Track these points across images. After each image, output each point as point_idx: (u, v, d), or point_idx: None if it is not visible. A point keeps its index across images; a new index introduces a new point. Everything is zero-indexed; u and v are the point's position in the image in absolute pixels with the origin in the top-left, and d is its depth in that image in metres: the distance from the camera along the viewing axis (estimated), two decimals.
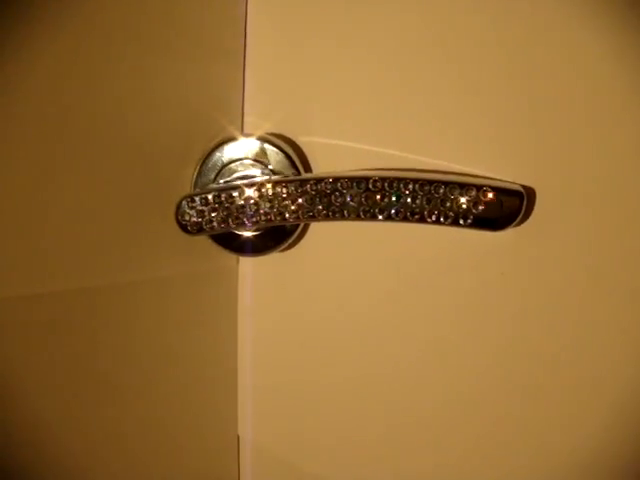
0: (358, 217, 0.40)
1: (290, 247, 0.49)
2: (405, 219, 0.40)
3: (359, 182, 0.39)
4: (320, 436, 0.54)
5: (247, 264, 0.52)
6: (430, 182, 0.39)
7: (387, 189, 0.39)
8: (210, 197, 0.41)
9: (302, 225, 0.47)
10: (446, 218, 0.39)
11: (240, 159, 0.50)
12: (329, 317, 0.52)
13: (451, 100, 0.43)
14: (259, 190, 0.41)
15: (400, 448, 0.51)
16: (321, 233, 0.48)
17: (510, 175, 0.41)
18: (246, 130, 0.52)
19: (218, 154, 0.50)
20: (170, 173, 0.50)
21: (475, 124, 0.42)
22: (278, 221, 0.41)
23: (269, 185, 0.41)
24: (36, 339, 0.45)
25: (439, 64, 0.42)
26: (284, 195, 0.40)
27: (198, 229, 0.42)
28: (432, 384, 0.48)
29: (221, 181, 0.48)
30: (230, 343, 0.55)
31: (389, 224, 0.41)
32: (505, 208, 0.39)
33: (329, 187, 0.40)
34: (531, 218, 0.40)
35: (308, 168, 0.49)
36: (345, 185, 0.40)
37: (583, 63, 0.38)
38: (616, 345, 0.40)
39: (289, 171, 0.49)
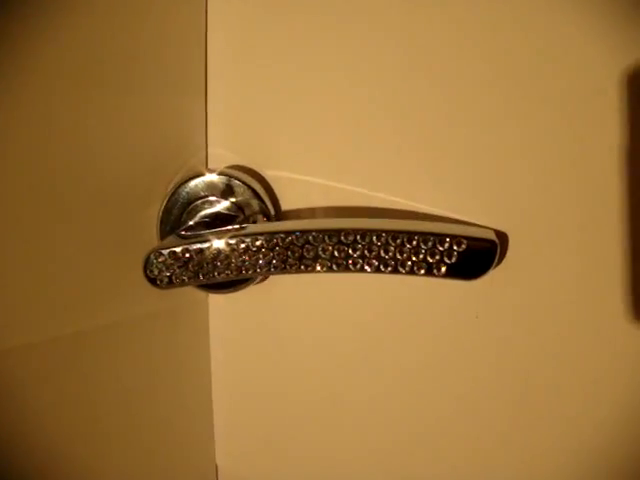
0: (330, 270, 0.39)
1: (262, 280, 0.49)
2: (378, 271, 0.39)
3: (330, 235, 0.39)
4: (297, 464, 0.55)
5: (218, 297, 0.52)
6: (402, 233, 0.38)
7: (359, 241, 0.39)
8: (179, 251, 0.40)
9: None
10: (419, 269, 0.39)
11: (206, 196, 0.49)
12: (303, 347, 0.51)
13: (424, 141, 0.42)
14: (229, 244, 0.39)
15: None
16: None
17: (482, 218, 0.41)
18: (211, 163, 0.51)
19: (183, 191, 0.49)
20: (135, 211, 0.49)
21: (448, 166, 0.41)
22: (249, 274, 0.40)
23: (239, 239, 0.39)
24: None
25: (413, 103, 0.41)
26: (254, 249, 0.39)
27: (168, 283, 0.41)
28: (407, 414, 0.48)
29: (190, 222, 0.47)
30: (204, 373, 0.55)
31: None
32: (479, 258, 0.38)
33: (300, 240, 0.39)
34: (504, 262, 0.40)
35: (276, 203, 0.48)
36: (316, 238, 0.39)
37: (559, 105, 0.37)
38: (591, 380, 0.40)
39: (257, 207, 0.48)
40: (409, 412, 0.47)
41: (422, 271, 0.39)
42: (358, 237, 0.39)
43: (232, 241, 0.40)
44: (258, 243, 0.39)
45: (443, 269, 0.38)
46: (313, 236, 0.39)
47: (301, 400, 0.53)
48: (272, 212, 0.48)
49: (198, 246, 0.40)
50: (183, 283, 0.41)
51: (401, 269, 0.39)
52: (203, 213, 0.48)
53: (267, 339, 0.53)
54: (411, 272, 0.39)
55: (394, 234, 0.39)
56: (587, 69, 0.37)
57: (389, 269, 0.39)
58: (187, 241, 0.41)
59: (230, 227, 0.42)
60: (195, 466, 0.56)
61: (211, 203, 0.49)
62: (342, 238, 0.39)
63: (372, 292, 0.45)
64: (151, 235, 0.49)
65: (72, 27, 0.42)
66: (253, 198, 0.48)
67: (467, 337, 0.42)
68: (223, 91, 0.50)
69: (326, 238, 0.39)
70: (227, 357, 0.55)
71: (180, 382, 0.54)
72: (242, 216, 0.48)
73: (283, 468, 0.55)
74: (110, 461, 0.51)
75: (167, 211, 0.49)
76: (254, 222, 0.48)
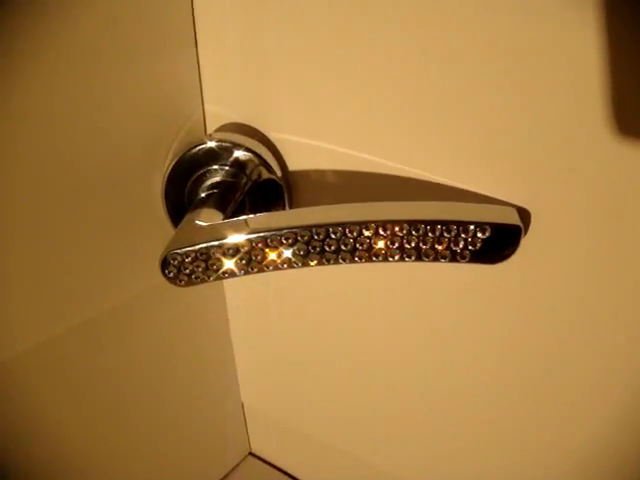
0: (353, 262, 0.39)
1: None
2: (401, 259, 0.39)
3: (351, 229, 0.38)
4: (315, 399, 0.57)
5: None
6: (424, 222, 0.38)
7: (381, 233, 0.38)
8: (196, 250, 0.39)
9: None
10: (443, 257, 0.38)
11: (209, 164, 0.47)
12: (320, 296, 0.52)
13: (440, 107, 0.40)
14: (249, 240, 0.39)
15: (402, 422, 0.54)
16: None
17: (500, 190, 0.40)
18: (209, 122, 0.49)
19: (185, 161, 0.47)
20: (139, 183, 0.47)
21: (465, 135, 0.40)
22: (271, 269, 0.40)
23: (259, 235, 0.39)
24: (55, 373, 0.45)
25: (430, 66, 0.39)
26: (274, 245, 0.39)
27: (187, 282, 0.40)
28: (429, 383, 0.50)
29: (201, 195, 0.46)
30: (222, 322, 0.56)
31: None
32: (503, 243, 0.38)
33: (321, 235, 0.38)
34: (527, 235, 0.40)
35: (283, 165, 0.47)
36: (337, 232, 0.38)
37: (583, 81, 0.35)
38: (614, 348, 0.41)
39: (264, 175, 0.46)
40: (437, 378, 0.49)
41: (446, 259, 0.38)
42: (380, 229, 0.38)
43: (252, 236, 0.39)
44: (278, 239, 0.38)
45: (467, 256, 0.38)
46: (333, 230, 0.38)
47: (318, 342, 0.54)
48: (279, 174, 0.47)
49: (216, 243, 0.39)
50: (203, 281, 0.40)
51: (425, 258, 0.38)
52: (209, 182, 0.47)
53: (284, 287, 0.53)
54: (435, 260, 0.38)
55: (416, 224, 0.38)
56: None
57: (412, 258, 0.38)
58: (204, 238, 0.40)
59: (246, 217, 0.40)
60: (223, 404, 0.59)
61: (216, 171, 0.47)
62: (364, 231, 0.38)
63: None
64: (157, 207, 0.48)
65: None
66: (259, 164, 0.46)
67: (489, 307, 0.43)
68: (216, 44, 0.46)
69: (347, 232, 0.38)
70: (244, 304, 0.55)
71: (203, 334, 0.55)
72: (249, 181, 0.47)
73: (303, 403, 0.58)
74: (141, 408, 0.53)
75: (170, 182, 0.47)
76: (259, 184, 0.47)
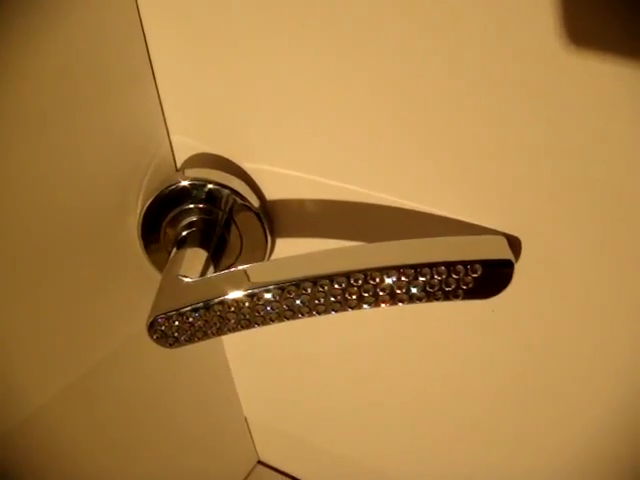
0: (344, 310, 0.38)
1: None
2: (394, 304, 0.38)
3: (339, 280, 0.37)
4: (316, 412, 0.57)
5: None
6: (413, 267, 0.37)
7: (370, 282, 0.37)
8: (183, 312, 0.38)
9: None
10: (436, 299, 0.38)
11: (184, 204, 0.45)
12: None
13: (420, 133, 0.38)
14: (236, 299, 0.38)
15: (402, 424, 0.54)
16: None
17: (482, 217, 0.39)
18: (177, 152, 0.47)
19: (161, 201, 0.45)
20: (114, 225, 0.45)
21: (448, 161, 0.38)
22: (261, 325, 0.39)
23: (247, 293, 0.37)
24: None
25: (410, 93, 0.37)
26: (262, 302, 0.38)
27: (175, 344, 0.40)
28: (430, 391, 0.50)
29: (181, 234, 0.44)
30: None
31: None
32: (495, 279, 0.37)
33: (309, 289, 0.37)
34: (519, 261, 0.39)
35: (261, 196, 0.45)
36: (324, 284, 0.37)
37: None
38: (610, 355, 0.41)
39: (241, 208, 0.45)
40: (438, 385, 0.49)
41: (439, 300, 0.37)
42: (369, 278, 0.37)
43: (239, 295, 0.38)
44: (267, 296, 0.37)
45: (461, 295, 0.37)
46: (322, 283, 0.37)
47: (319, 357, 0.54)
48: (256, 205, 0.45)
49: (202, 304, 0.38)
50: (192, 341, 0.39)
51: (417, 301, 0.38)
52: (187, 221, 0.45)
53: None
54: (428, 301, 0.38)
55: (405, 269, 0.37)
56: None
57: (405, 303, 0.38)
58: (190, 299, 0.38)
59: (231, 270, 0.39)
60: (227, 421, 0.59)
61: (192, 209, 0.45)
62: (352, 281, 0.37)
63: None
64: (135, 248, 0.46)
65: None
66: (235, 197, 0.44)
67: (483, 331, 0.42)
68: (175, 74, 0.44)
69: (335, 284, 0.37)
70: None
71: (198, 360, 0.55)
72: (226, 215, 0.45)
73: (304, 412, 0.58)
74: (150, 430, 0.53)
75: (146, 223, 0.46)
76: (239, 217, 0.45)
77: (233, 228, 0.45)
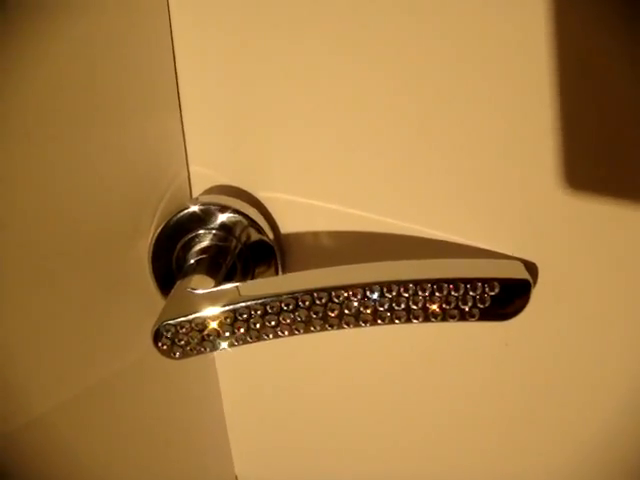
0: (358, 326, 0.37)
1: None
2: (408, 321, 0.37)
3: (354, 292, 0.36)
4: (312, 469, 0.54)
5: None
6: (430, 281, 0.36)
7: (386, 295, 0.36)
8: (190, 320, 0.37)
9: None
10: (452, 317, 0.37)
11: (198, 228, 0.45)
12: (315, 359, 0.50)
13: (438, 162, 0.39)
14: (246, 308, 0.37)
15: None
16: None
17: (501, 245, 0.39)
18: (194, 182, 0.47)
19: (173, 226, 0.45)
20: (124, 249, 0.45)
21: (466, 190, 0.38)
22: (271, 338, 0.38)
23: (257, 302, 0.37)
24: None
25: (428, 120, 0.38)
26: (273, 312, 0.37)
27: (181, 355, 0.38)
28: (433, 439, 0.48)
29: (190, 261, 0.44)
30: (214, 391, 0.54)
31: None
32: (512, 299, 0.37)
33: (323, 299, 0.36)
34: (534, 290, 0.38)
35: (275, 227, 0.45)
36: (340, 296, 0.36)
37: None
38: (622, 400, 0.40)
39: (254, 237, 0.45)
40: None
41: (455, 319, 0.37)
42: (385, 291, 0.36)
43: (250, 303, 0.37)
44: (278, 305, 0.37)
45: (477, 315, 0.37)
46: (336, 293, 0.36)
47: (313, 407, 0.52)
48: (271, 236, 0.45)
49: (212, 313, 0.37)
50: (200, 352, 0.38)
51: (433, 319, 0.37)
52: (198, 247, 0.45)
53: (274, 352, 0.51)
54: (443, 320, 0.37)
55: (422, 284, 0.36)
56: None
57: (420, 319, 0.37)
58: (199, 307, 0.37)
59: (241, 283, 0.38)
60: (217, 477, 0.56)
61: (204, 235, 0.45)
62: (367, 294, 0.36)
63: None
64: (144, 274, 0.45)
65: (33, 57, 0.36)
66: (248, 226, 0.44)
67: (497, 365, 0.41)
68: (200, 105, 0.45)
69: (350, 295, 0.36)
70: (234, 372, 0.53)
71: (193, 405, 0.53)
72: (239, 244, 0.45)
73: (298, 473, 0.55)
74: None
75: (157, 248, 0.45)
76: (250, 247, 0.45)
77: (244, 257, 0.45)
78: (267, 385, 0.53)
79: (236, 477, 0.56)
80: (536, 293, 0.38)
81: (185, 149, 0.47)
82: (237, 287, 0.39)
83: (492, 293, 0.36)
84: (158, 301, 0.46)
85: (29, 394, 0.40)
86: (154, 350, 0.40)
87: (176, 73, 0.44)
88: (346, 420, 0.51)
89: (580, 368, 0.39)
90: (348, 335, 0.45)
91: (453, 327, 0.40)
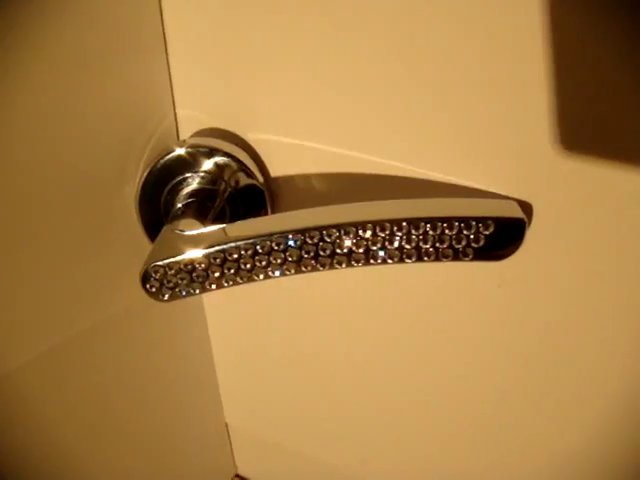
0: (350, 266, 0.37)
1: None
2: (401, 261, 0.36)
3: (347, 230, 0.35)
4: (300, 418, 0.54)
5: None
6: (424, 220, 0.36)
7: (379, 234, 0.36)
8: (179, 261, 0.36)
9: None
10: (445, 256, 0.36)
11: (185, 172, 0.44)
12: (304, 310, 0.49)
13: (428, 99, 0.38)
14: (236, 248, 0.36)
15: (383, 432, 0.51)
16: None
17: (494, 184, 0.38)
18: (182, 128, 0.46)
19: (160, 170, 0.44)
20: (111, 193, 0.44)
21: (459, 128, 0.38)
22: (261, 279, 0.37)
23: (247, 242, 0.36)
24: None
25: (419, 59, 0.37)
26: (264, 252, 0.36)
27: (170, 297, 0.37)
28: (424, 392, 0.48)
29: (178, 205, 0.43)
30: (204, 340, 0.53)
31: None
32: (507, 238, 0.36)
33: (314, 238, 0.36)
34: (530, 228, 0.38)
35: (264, 170, 0.44)
36: (331, 234, 0.36)
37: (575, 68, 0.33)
38: (614, 347, 0.39)
39: (244, 180, 0.44)
40: (421, 380, 0.47)
41: (448, 258, 0.36)
42: (377, 229, 0.36)
43: (239, 243, 0.36)
44: (268, 245, 0.36)
45: (470, 254, 0.36)
46: (328, 232, 0.35)
47: (301, 359, 0.52)
48: (260, 179, 0.44)
49: (201, 253, 0.36)
50: (189, 294, 0.37)
51: (426, 258, 0.36)
52: (186, 191, 0.44)
53: (265, 302, 0.50)
54: (436, 260, 0.36)
55: (416, 222, 0.35)
56: None
57: (413, 259, 0.36)
58: (187, 248, 0.37)
59: (231, 224, 0.38)
60: (207, 425, 0.56)
61: (193, 178, 0.44)
62: (360, 232, 0.36)
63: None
64: (131, 220, 0.45)
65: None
66: (238, 169, 0.43)
67: (488, 307, 0.41)
68: (186, 46, 0.43)
69: (342, 234, 0.36)
70: (225, 321, 0.52)
71: (183, 352, 0.52)
72: (229, 188, 0.44)
73: (287, 424, 0.55)
74: (123, 433, 0.50)
75: (144, 193, 0.44)
76: (240, 190, 0.44)
77: (234, 200, 0.44)
78: (257, 333, 0.52)
79: (226, 424, 0.55)
80: (530, 234, 0.37)
81: (172, 92, 0.45)
82: (226, 228, 0.38)
83: (486, 232, 0.36)
84: (146, 246, 0.45)
85: (12, 341, 0.39)
86: (141, 296, 0.39)
87: (162, 16, 0.43)
88: (336, 369, 0.50)
89: (575, 302, 0.39)
90: (338, 280, 0.45)
91: (446, 269, 0.39)
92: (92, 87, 0.40)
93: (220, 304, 0.52)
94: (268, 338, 0.52)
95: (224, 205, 0.44)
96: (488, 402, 0.44)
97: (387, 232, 0.36)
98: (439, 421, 0.48)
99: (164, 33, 0.43)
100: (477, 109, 0.36)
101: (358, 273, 0.41)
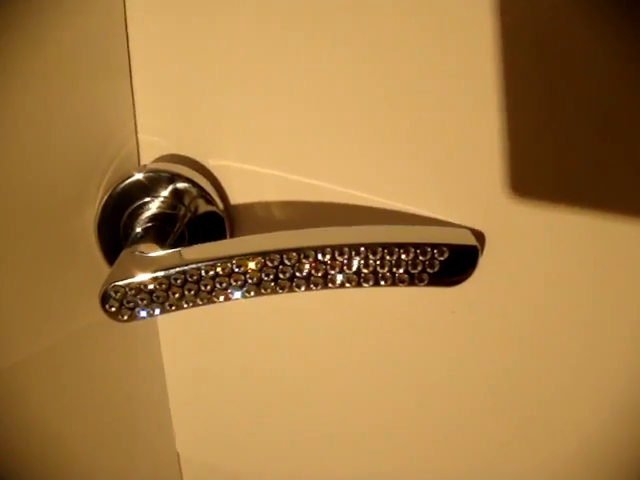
0: (309, 289, 0.37)
1: None
2: (358, 285, 0.37)
3: (306, 254, 0.36)
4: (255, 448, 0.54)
5: None
6: (381, 245, 0.37)
7: (337, 258, 0.37)
8: (140, 282, 0.37)
9: None
10: (402, 281, 0.37)
11: (145, 196, 0.44)
12: (261, 335, 0.50)
13: (387, 128, 0.39)
14: (197, 269, 0.36)
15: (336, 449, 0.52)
16: None
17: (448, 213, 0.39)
18: (143, 153, 0.46)
19: (120, 194, 0.44)
20: (70, 216, 0.44)
21: (414, 157, 0.39)
22: (222, 301, 0.38)
23: (208, 264, 0.36)
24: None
25: (377, 88, 0.38)
26: (224, 274, 0.37)
27: (129, 317, 0.38)
28: (382, 414, 0.48)
29: (137, 229, 0.43)
30: (157, 367, 0.53)
31: None
32: (461, 265, 0.37)
33: (274, 261, 0.36)
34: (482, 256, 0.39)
35: (224, 197, 0.45)
36: (291, 258, 0.36)
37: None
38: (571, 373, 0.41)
39: (204, 207, 0.44)
40: (380, 406, 0.47)
41: (404, 283, 0.37)
42: (336, 253, 0.36)
43: (201, 265, 0.36)
44: (229, 267, 0.36)
45: (426, 279, 0.37)
46: (288, 256, 0.36)
47: (256, 386, 0.52)
48: (220, 205, 0.45)
49: (162, 274, 0.37)
50: (149, 315, 0.37)
51: (382, 282, 0.37)
52: (146, 215, 0.44)
53: (219, 326, 0.51)
54: (393, 284, 0.37)
55: (374, 247, 0.37)
56: None
57: (370, 283, 0.37)
58: (148, 269, 0.37)
59: (193, 246, 0.38)
60: (158, 455, 0.55)
61: (152, 203, 0.44)
62: (319, 256, 0.37)
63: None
64: (90, 244, 0.45)
65: None
66: (198, 195, 0.44)
67: (444, 333, 0.42)
68: (151, 72, 0.44)
69: (302, 257, 0.36)
70: (179, 347, 0.52)
71: (135, 377, 0.52)
72: (188, 213, 0.45)
73: (241, 453, 0.55)
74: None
75: (104, 217, 0.44)
76: (199, 216, 0.45)
77: (193, 226, 0.45)
78: (212, 363, 0.52)
79: (178, 454, 0.55)
80: (482, 263, 0.39)
81: (135, 117, 0.46)
82: (187, 250, 0.38)
83: (441, 258, 0.37)
84: (104, 270, 0.45)
85: None
86: (98, 319, 0.39)
87: (128, 40, 0.44)
88: (293, 396, 0.51)
89: (531, 337, 0.40)
90: (296, 305, 0.46)
91: (402, 295, 0.41)
92: (56, 106, 0.41)
93: (175, 330, 0.52)
94: (223, 366, 0.52)
95: (183, 230, 0.45)
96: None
97: (345, 256, 0.36)
98: (413, 441, 0.48)
99: (129, 57, 0.44)
100: (435, 143, 0.38)
101: (316, 297, 0.42)
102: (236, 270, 0.37)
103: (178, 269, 0.37)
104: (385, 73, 0.38)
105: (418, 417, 0.48)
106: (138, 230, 0.44)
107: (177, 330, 0.52)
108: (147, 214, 0.44)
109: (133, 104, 0.46)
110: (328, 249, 0.36)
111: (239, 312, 0.49)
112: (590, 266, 0.38)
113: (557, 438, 0.44)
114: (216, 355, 0.52)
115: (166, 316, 0.49)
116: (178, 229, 0.44)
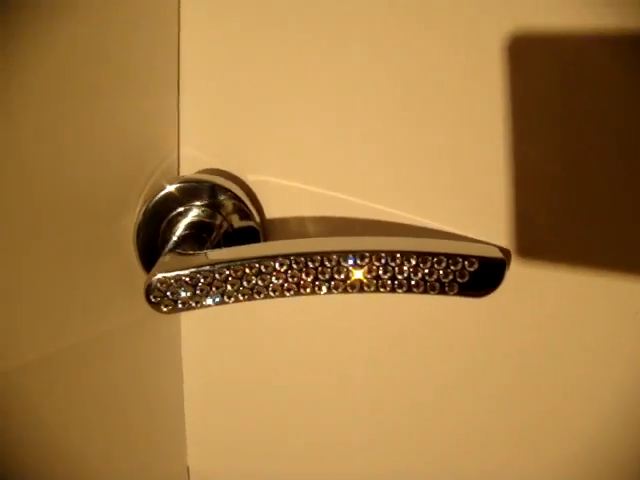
0: (345, 292, 0.39)
1: None
2: (392, 291, 0.39)
3: (345, 257, 0.38)
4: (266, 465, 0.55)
5: None
6: (415, 254, 0.39)
7: (374, 263, 0.39)
8: (186, 274, 0.39)
9: None
10: (433, 289, 0.39)
11: (186, 206, 0.47)
12: (278, 351, 0.51)
13: (424, 150, 0.42)
14: (242, 271, 0.38)
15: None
16: None
17: (480, 233, 0.42)
18: (182, 164, 0.49)
19: (160, 202, 0.46)
20: (110, 222, 0.46)
21: (450, 179, 0.42)
22: (261, 297, 0.39)
23: (250, 261, 0.38)
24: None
25: (412, 111, 0.41)
26: (266, 271, 0.39)
27: (172, 308, 0.39)
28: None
29: (175, 235, 0.45)
30: (177, 377, 0.54)
31: None
32: (489, 277, 0.39)
33: (315, 262, 0.39)
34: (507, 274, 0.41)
35: (260, 211, 0.47)
36: (331, 259, 0.39)
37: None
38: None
39: (241, 218, 0.46)
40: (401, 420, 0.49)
41: (435, 291, 0.39)
42: (373, 258, 0.39)
43: (244, 262, 0.38)
44: (272, 264, 0.38)
45: (455, 288, 0.39)
46: (328, 257, 0.38)
47: (271, 402, 0.53)
48: (257, 219, 0.47)
49: (206, 268, 0.39)
50: (190, 308, 0.39)
51: (415, 289, 0.39)
52: (184, 223, 0.46)
53: (239, 340, 0.52)
54: (424, 292, 0.39)
55: (408, 255, 0.39)
56: None
57: (404, 289, 0.39)
58: (192, 264, 0.39)
59: (234, 247, 0.40)
60: (169, 468, 0.55)
61: (191, 211, 0.47)
62: (358, 260, 0.39)
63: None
64: (128, 249, 0.46)
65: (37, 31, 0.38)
66: (236, 207, 0.46)
67: (455, 341, 0.44)
68: (197, 89, 0.47)
69: (341, 260, 0.39)
70: (199, 360, 0.53)
71: (154, 386, 0.53)
72: (225, 223, 0.47)
73: (252, 469, 0.55)
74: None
75: (143, 225, 0.46)
76: (236, 229, 0.47)
77: (230, 238, 0.47)
78: (228, 379, 0.54)
79: (188, 468, 0.55)
80: (508, 276, 0.41)
81: (178, 131, 0.49)
82: (228, 249, 0.40)
83: (471, 269, 0.39)
84: (140, 276, 0.47)
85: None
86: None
87: (179, 55, 0.47)
88: (307, 413, 0.52)
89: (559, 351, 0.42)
90: (317, 322, 0.48)
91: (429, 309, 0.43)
92: (105, 116, 0.43)
93: (196, 344, 0.53)
94: (238, 382, 0.53)
95: (220, 240, 0.47)
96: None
97: (382, 262, 0.39)
98: (426, 444, 0.49)
99: (179, 73, 0.47)
100: (466, 159, 0.41)
101: (332, 311, 0.44)
102: (278, 269, 0.39)
103: (223, 264, 0.38)
104: (421, 96, 0.41)
105: (427, 421, 0.49)
106: (176, 237, 0.46)
107: (199, 344, 0.53)
108: (185, 222, 0.46)
109: (178, 119, 0.48)
110: (367, 254, 0.39)
111: (260, 330, 0.51)
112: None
113: (563, 440, 0.45)
114: (233, 372, 0.53)
115: (189, 332, 0.51)
116: (215, 238, 0.46)
